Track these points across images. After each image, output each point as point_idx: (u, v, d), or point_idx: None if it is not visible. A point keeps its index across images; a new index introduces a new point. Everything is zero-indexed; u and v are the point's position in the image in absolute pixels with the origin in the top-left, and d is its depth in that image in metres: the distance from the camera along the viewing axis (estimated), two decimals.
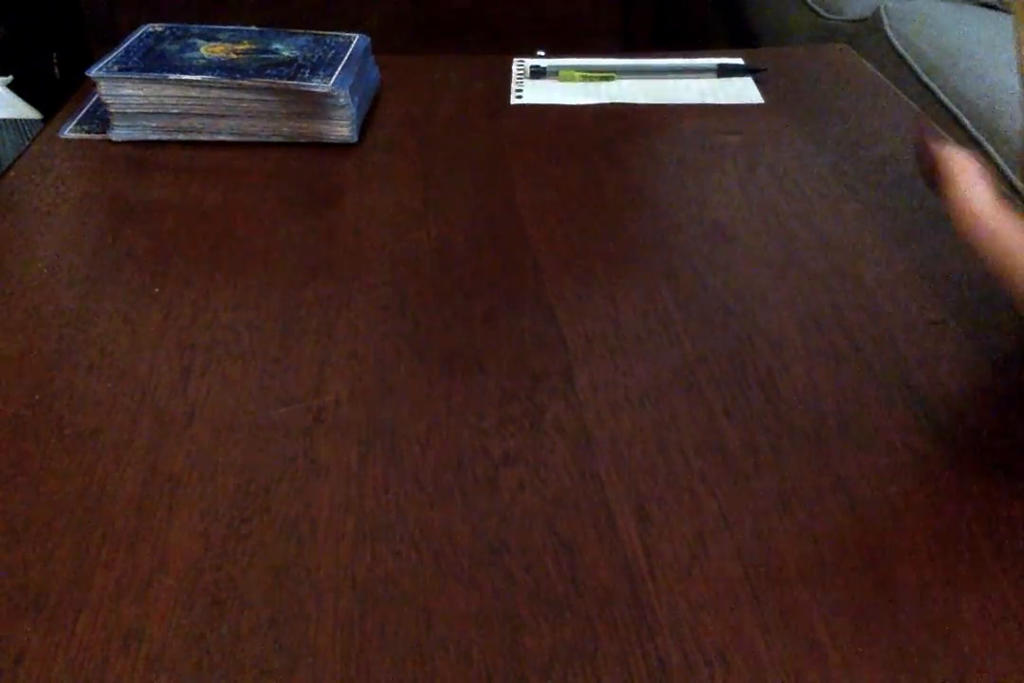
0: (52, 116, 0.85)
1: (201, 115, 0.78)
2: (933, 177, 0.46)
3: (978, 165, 0.45)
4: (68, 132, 0.81)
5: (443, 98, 0.89)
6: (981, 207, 0.44)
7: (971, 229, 0.44)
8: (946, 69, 1.29)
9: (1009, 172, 1.10)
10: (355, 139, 0.79)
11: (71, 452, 0.49)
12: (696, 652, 0.40)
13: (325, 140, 0.79)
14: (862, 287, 0.62)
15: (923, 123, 0.48)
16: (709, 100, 0.88)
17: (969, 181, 0.44)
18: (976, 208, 0.44)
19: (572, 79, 0.92)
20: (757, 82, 0.91)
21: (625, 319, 0.59)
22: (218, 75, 0.77)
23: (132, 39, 0.83)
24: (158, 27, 0.86)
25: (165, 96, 0.78)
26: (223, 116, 0.78)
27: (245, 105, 0.78)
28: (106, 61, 0.79)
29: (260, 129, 0.79)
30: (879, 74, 0.94)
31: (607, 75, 0.92)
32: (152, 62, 0.79)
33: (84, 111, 0.84)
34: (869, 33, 1.49)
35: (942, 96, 1.26)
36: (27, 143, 0.82)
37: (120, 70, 0.78)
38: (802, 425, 0.51)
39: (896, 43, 1.40)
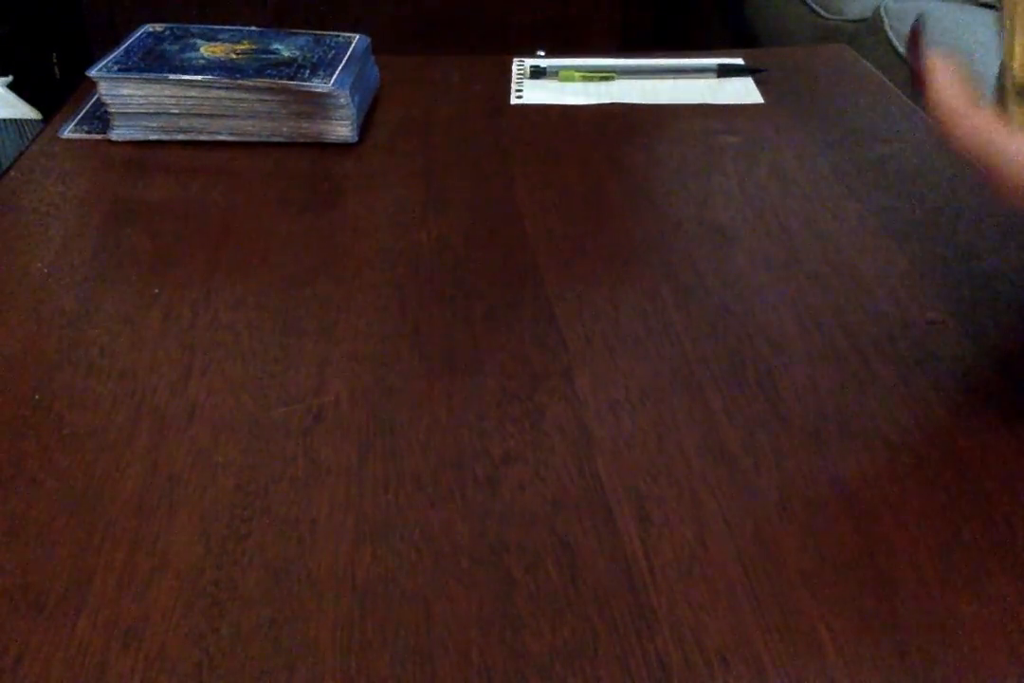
0: (52, 116, 0.85)
1: (201, 115, 0.78)
2: (920, 80, 0.48)
3: (957, 70, 0.47)
4: (68, 132, 0.81)
5: (443, 98, 0.89)
6: (962, 104, 0.46)
7: (954, 125, 0.46)
8: None
9: None
10: (355, 139, 0.79)
11: (71, 452, 0.49)
12: (696, 652, 0.40)
13: (325, 140, 0.79)
14: (862, 287, 0.62)
15: (918, 25, 0.50)
16: (709, 100, 0.88)
17: (950, 83, 0.47)
18: (957, 106, 0.46)
19: (572, 79, 0.92)
20: (757, 82, 0.91)
21: (625, 319, 0.59)
22: (218, 75, 0.77)
23: (132, 39, 0.83)
24: (158, 27, 0.86)
25: (165, 96, 0.78)
26: (223, 116, 0.78)
27: (245, 105, 0.78)
28: (106, 61, 0.79)
29: (260, 129, 0.79)
30: (879, 74, 0.94)
31: (607, 75, 0.92)
32: (152, 62, 0.79)
33: (84, 111, 0.84)
34: (869, 33, 1.49)
35: None
36: (27, 143, 0.82)
37: (120, 70, 0.78)
38: (802, 425, 0.51)
39: (896, 43, 1.40)
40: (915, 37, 0.49)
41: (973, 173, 0.46)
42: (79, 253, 0.65)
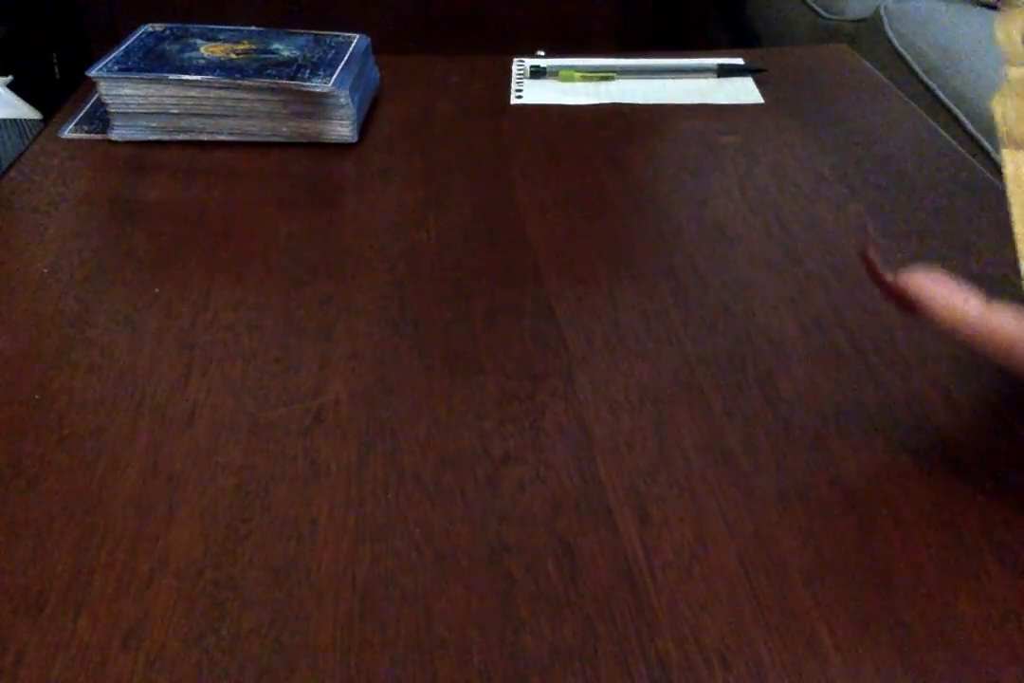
0: (52, 116, 0.85)
1: (201, 115, 0.78)
2: (902, 301, 0.46)
3: (940, 275, 0.45)
4: (68, 132, 0.81)
5: (443, 98, 0.89)
6: (967, 312, 0.44)
7: (969, 333, 0.44)
8: (946, 69, 1.29)
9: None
10: (355, 139, 0.79)
11: (71, 452, 0.49)
12: (696, 652, 0.40)
13: (325, 140, 0.79)
14: (862, 287, 0.62)
15: (867, 247, 0.48)
16: (709, 100, 0.88)
17: (945, 293, 0.44)
18: (963, 315, 0.44)
19: (572, 79, 0.92)
20: (757, 82, 0.91)
21: (625, 319, 0.59)
22: (218, 75, 0.77)
23: (132, 39, 0.83)
24: (158, 27, 0.86)
25: (165, 96, 0.78)
26: (223, 116, 0.78)
27: (245, 105, 0.78)
28: (106, 61, 0.79)
29: (260, 129, 0.79)
30: (879, 74, 0.94)
31: (607, 75, 0.92)
32: (152, 62, 0.79)
33: (84, 111, 0.84)
34: (869, 33, 1.49)
35: (942, 96, 1.26)
36: (27, 143, 0.82)
37: (120, 70, 0.78)
38: (802, 425, 0.51)
39: (896, 43, 1.40)
40: (874, 270, 0.47)
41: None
42: (79, 253, 0.65)
